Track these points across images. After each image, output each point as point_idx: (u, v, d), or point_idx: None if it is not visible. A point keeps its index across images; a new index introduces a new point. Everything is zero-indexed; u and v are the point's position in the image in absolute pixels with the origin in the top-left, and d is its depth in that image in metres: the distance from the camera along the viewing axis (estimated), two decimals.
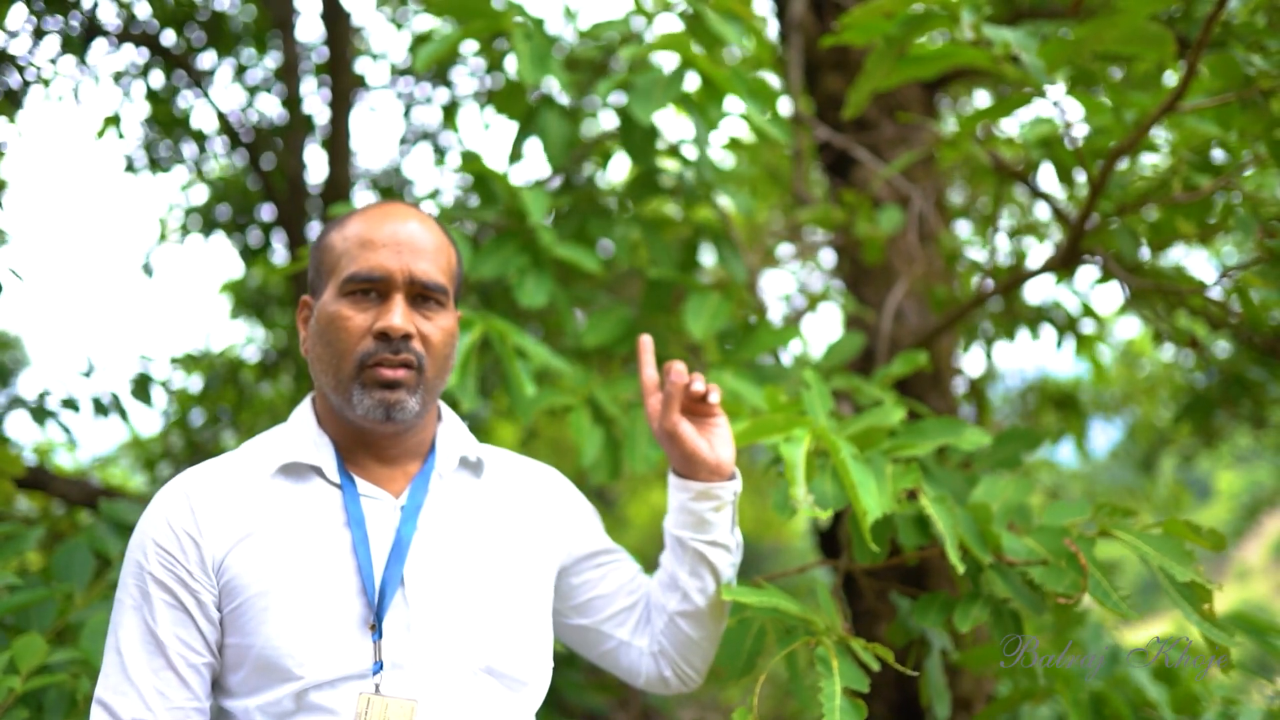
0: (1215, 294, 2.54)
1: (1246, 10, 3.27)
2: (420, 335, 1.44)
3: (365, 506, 1.43)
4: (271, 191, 4.24)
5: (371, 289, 1.43)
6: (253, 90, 4.53)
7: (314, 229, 4.15)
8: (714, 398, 1.60)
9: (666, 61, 2.40)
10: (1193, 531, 1.61)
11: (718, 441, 1.62)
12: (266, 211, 4.65)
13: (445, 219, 2.38)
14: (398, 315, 1.42)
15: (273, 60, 4.49)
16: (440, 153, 4.71)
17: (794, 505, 1.61)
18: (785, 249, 3.26)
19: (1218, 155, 2.63)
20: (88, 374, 3.19)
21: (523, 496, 1.59)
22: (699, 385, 1.59)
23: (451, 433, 1.56)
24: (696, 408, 1.63)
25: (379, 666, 1.34)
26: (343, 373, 1.42)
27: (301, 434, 1.47)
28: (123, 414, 3.23)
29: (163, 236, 4.82)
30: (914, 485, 1.71)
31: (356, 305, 1.42)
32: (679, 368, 1.58)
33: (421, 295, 1.45)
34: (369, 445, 1.47)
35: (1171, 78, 3.03)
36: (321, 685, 1.32)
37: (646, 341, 1.67)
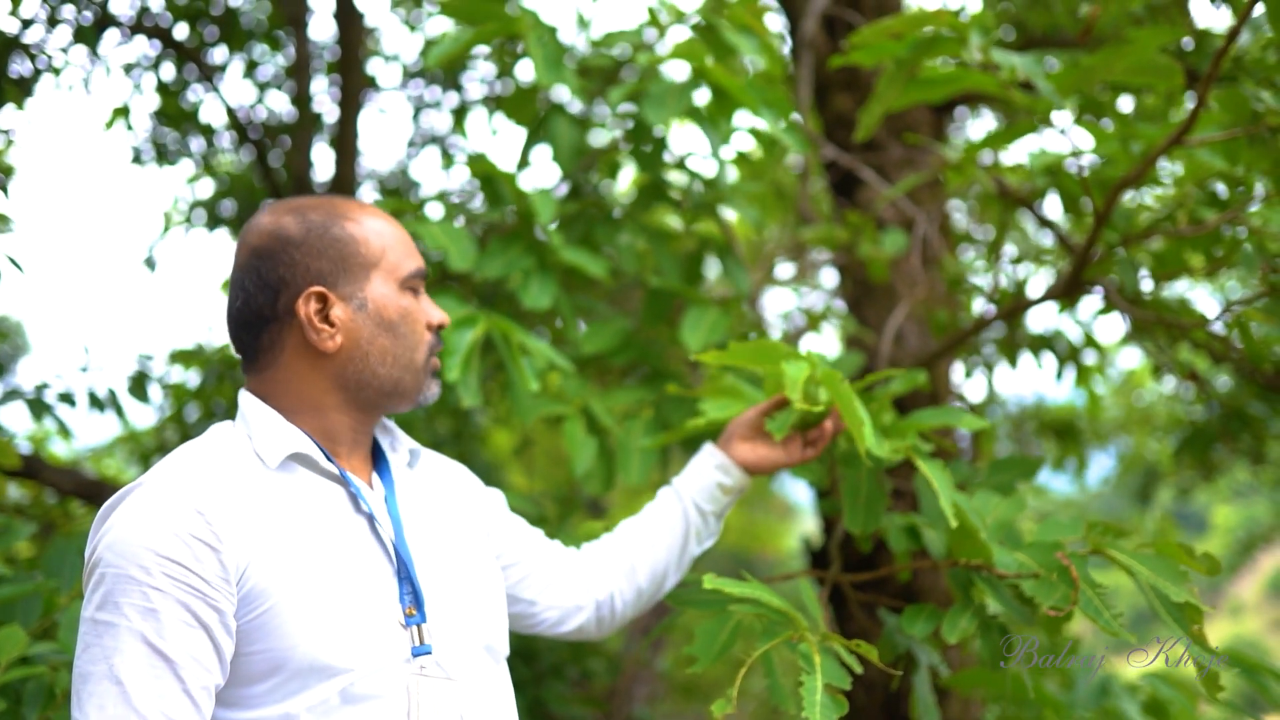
0: (1217, 328, 2.54)
1: (1258, 46, 3.28)
2: None
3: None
4: (277, 189, 4.24)
5: (419, 283, 1.53)
6: (263, 86, 4.54)
7: None
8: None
9: (679, 72, 2.41)
10: (1187, 554, 1.60)
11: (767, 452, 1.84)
12: None
13: (450, 218, 2.38)
14: (441, 311, 1.58)
15: (284, 57, 4.50)
16: (448, 156, 4.71)
17: (792, 399, 1.67)
18: (787, 267, 3.25)
19: (1224, 189, 2.63)
20: (85, 368, 3.18)
21: (451, 485, 1.66)
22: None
23: (385, 426, 1.61)
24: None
25: (421, 649, 1.37)
26: (415, 364, 1.51)
27: (271, 428, 1.42)
28: (119, 410, 3.23)
29: (166, 229, 4.82)
30: (909, 444, 1.74)
31: (414, 300, 1.52)
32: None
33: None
34: (349, 435, 1.49)
35: (1179, 112, 3.04)
36: (368, 675, 1.31)
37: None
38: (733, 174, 2.76)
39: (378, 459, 1.55)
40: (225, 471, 1.35)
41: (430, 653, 1.37)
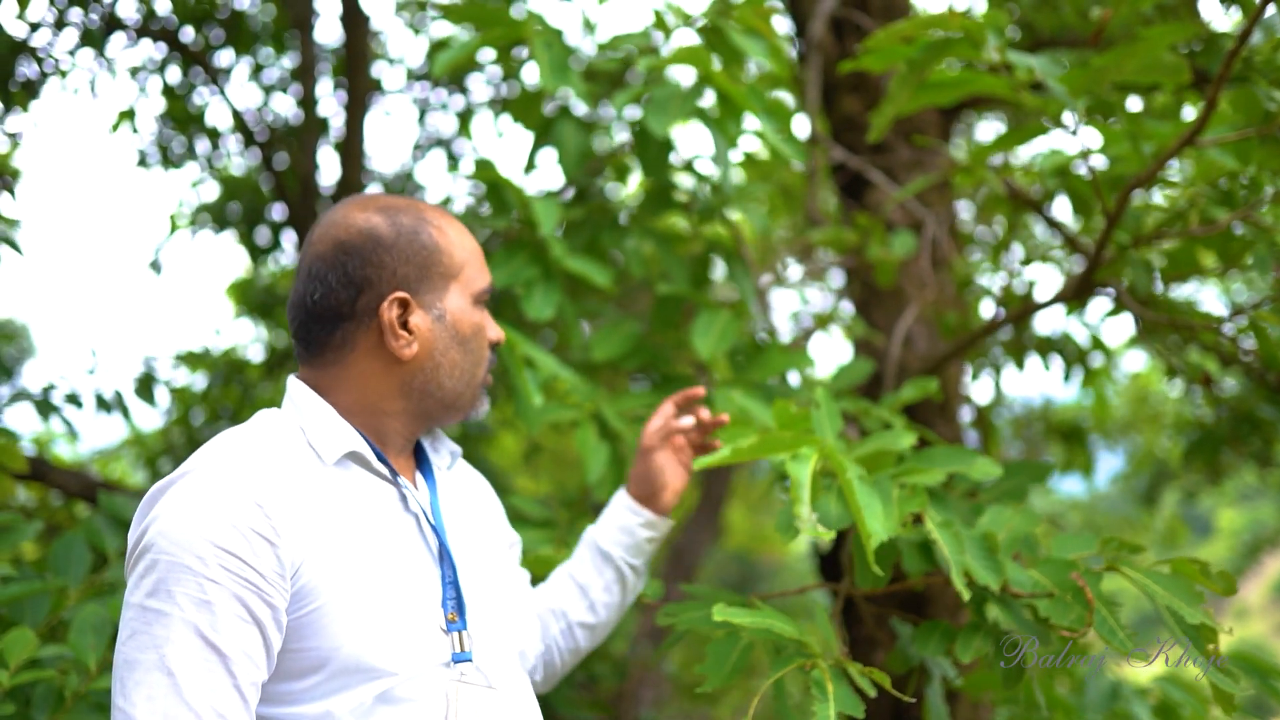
0: (1227, 329, 2.52)
1: (1269, 46, 3.26)
2: None
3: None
4: (283, 191, 4.24)
5: (486, 299, 1.55)
6: (269, 89, 4.54)
7: None
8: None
9: (684, 76, 2.39)
10: (1202, 573, 1.59)
11: (681, 480, 1.84)
12: (277, 211, 4.64)
13: None
14: (498, 328, 1.59)
15: (290, 60, 4.50)
16: (454, 159, 4.71)
17: (798, 525, 1.59)
18: (795, 269, 3.24)
19: (1237, 188, 2.61)
20: (92, 371, 3.18)
21: (480, 490, 1.68)
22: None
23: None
24: (692, 438, 1.85)
25: (462, 656, 1.36)
26: (476, 380, 1.52)
27: (328, 423, 1.39)
28: (125, 412, 3.22)
29: (173, 232, 4.81)
30: (920, 509, 1.69)
31: (485, 315, 1.54)
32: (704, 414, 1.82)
33: None
34: (400, 439, 1.48)
35: (1190, 111, 3.03)
36: (409, 679, 1.31)
37: (697, 393, 1.85)
38: (739, 176, 2.75)
39: (420, 459, 1.55)
40: (282, 464, 1.33)
41: (470, 660, 1.37)
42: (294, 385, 1.45)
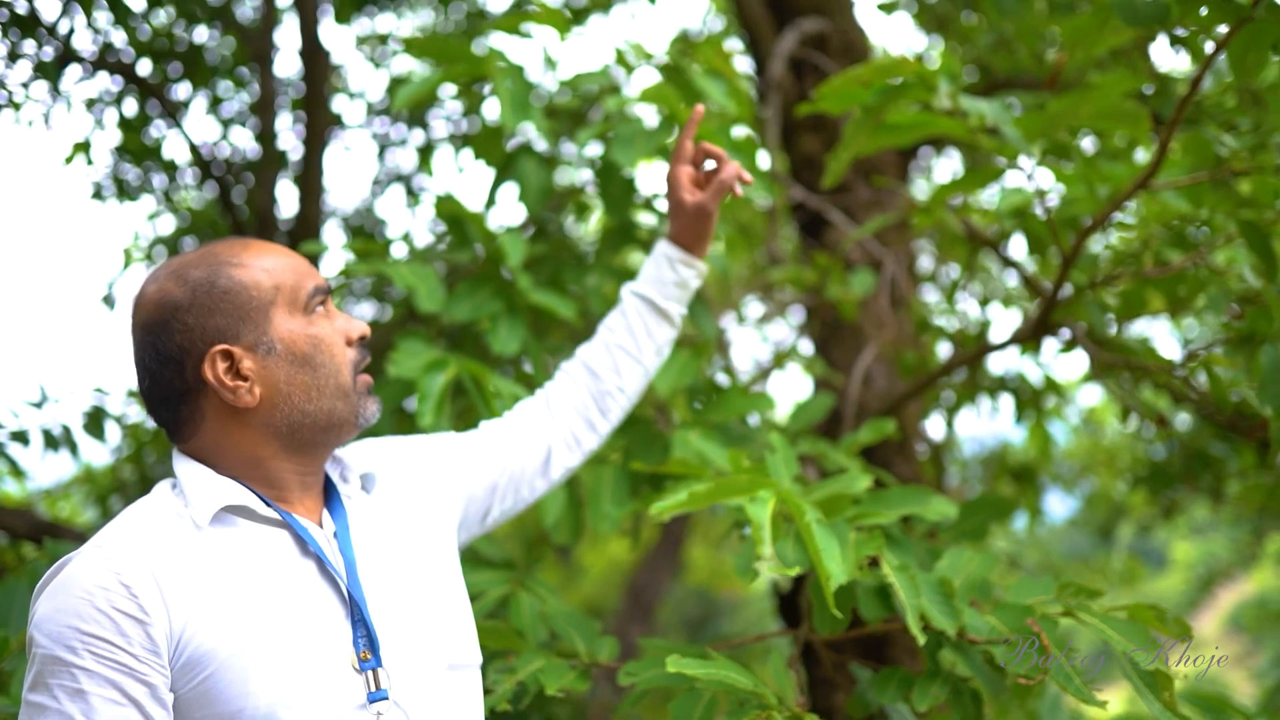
0: (1180, 371, 2.55)
1: (1218, 91, 3.33)
2: None
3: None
4: (240, 226, 4.20)
5: (324, 301, 1.45)
6: (227, 123, 4.51)
7: None
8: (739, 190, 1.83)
9: (648, 114, 2.40)
10: (1158, 618, 1.60)
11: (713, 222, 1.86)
12: None
13: (419, 260, 2.35)
14: (358, 320, 1.48)
15: (248, 94, 4.47)
16: (414, 195, 4.69)
17: (758, 567, 1.58)
18: (756, 306, 3.25)
19: (1191, 230, 2.65)
20: (39, 405, 3.12)
21: (406, 484, 1.60)
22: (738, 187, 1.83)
23: (333, 457, 1.54)
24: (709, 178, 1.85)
25: (377, 695, 1.32)
26: (343, 386, 1.43)
27: (201, 485, 1.36)
28: (73, 448, 3.16)
29: (127, 266, 4.75)
30: (876, 552, 1.69)
31: (320, 320, 1.44)
32: (729, 161, 1.82)
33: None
34: (295, 479, 1.43)
35: (1143, 153, 3.07)
36: None
37: (699, 112, 1.85)
38: None
39: (331, 494, 1.49)
40: (156, 538, 1.30)
41: (386, 698, 1.33)
42: (174, 457, 1.42)
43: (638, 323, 1.86)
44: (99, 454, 5.08)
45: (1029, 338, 2.51)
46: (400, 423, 2.26)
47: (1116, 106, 2.42)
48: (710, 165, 1.85)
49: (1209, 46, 2.04)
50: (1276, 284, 2.45)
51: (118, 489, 4.67)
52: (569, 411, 1.82)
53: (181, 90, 4.22)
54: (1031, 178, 2.37)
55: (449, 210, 2.30)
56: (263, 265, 1.41)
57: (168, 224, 4.76)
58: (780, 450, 1.87)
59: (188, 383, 1.37)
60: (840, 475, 1.85)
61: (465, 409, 2.16)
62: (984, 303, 3.32)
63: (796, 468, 1.89)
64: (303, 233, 3.93)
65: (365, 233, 4.58)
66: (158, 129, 4.23)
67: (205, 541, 1.32)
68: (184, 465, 1.39)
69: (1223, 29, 2.07)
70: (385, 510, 1.53)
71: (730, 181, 1.81)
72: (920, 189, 4.39)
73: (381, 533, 1.49)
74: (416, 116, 4.44)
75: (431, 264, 2.36)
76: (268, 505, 1.38)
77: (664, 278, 1.86)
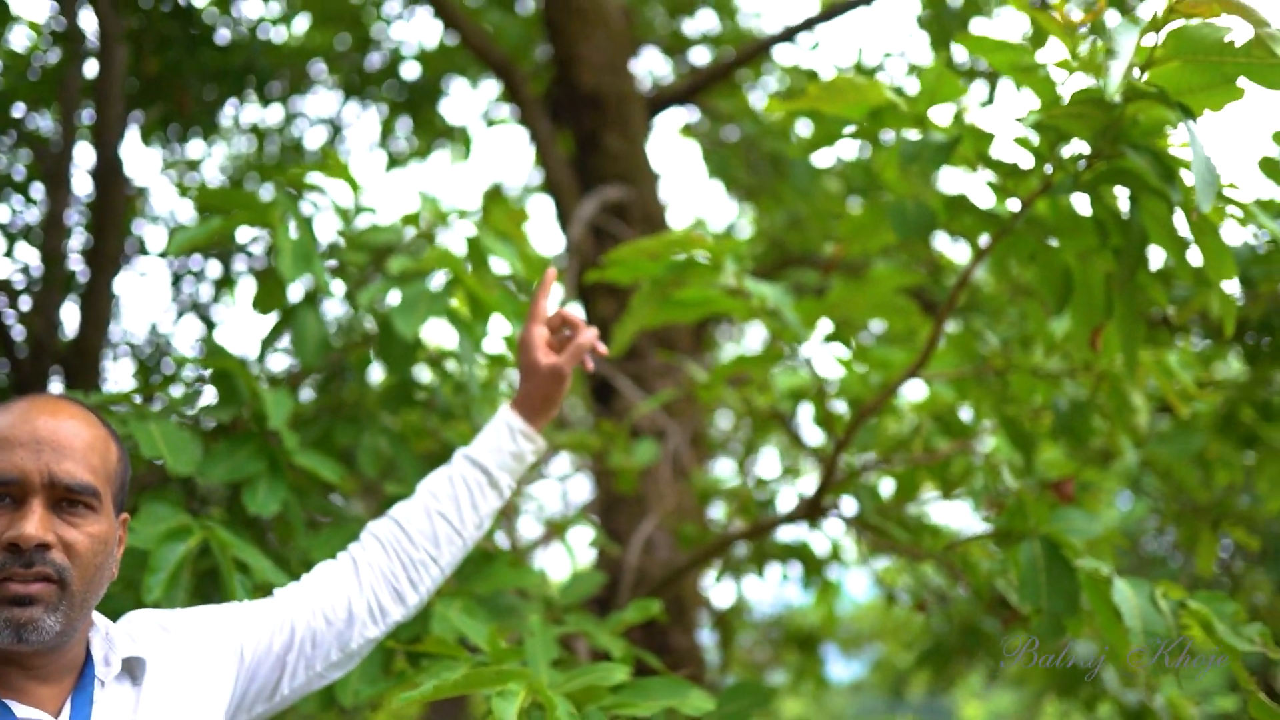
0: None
1: (992, 279, 3.54)
2: (63, 544, 1.27)
3: None
4: (9, 349, 3.93)
5: (6, 494, 1.26)
6: (12, 239, 4.28)
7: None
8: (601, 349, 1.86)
9: (436, 276, 2.38)
10: None
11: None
12: None
13: (174, 409, 2.23)
14: (32, 524, 1.25)
15: (40, 210, 4.27)
16: (211, 326, 4.54)
17: None
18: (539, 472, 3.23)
19: (964, 415, 2.77)
20: None
21: (177, 668, 1.44)
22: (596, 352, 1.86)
23: (106, 638, 1.38)
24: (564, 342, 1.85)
25: None
26: None
27: None
28: None
29: None
30: None
31: None
32: (586, 327, 1.84)
33: (67, 499, 1.29)
34: (13, 663, 1.29)
35: (920, 338, 3.23)
36: None
37: (552, 273, 1.87)
38: (482, 375, 2.73)
39: (86, 680, 1.34)
40: None
41: None
42: None
43: (463, 491, 1.78)
44: None
45: (804, 516, 2.55)
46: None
47: (889, 300, 2.54)
48: (566, 331, 1.85)
49: (983, 240, 2.16)
50: (1034, 479, 2.58)
51: None
52: (377, 578, 1.70)
53: None
54: (808, 364, 2.45)
55: (217, 364, 2.19)
56: None
57: None
58: (539, 633, 1.82)
59: None
60: (597, 666, 1.81)
61: (208, 573, 2.02)
62: (761, 485, 3.36)
63: (556, 651, 1.85)
64: (79, 363, 3.73)
65: (148, 367, 4.37)
66: None
67: None
68: None
69: (984, 239, 2.20)
70: (146, 700, 1.38)
71: (588, 345, 1.81)
72: (720, 356, 4.49)
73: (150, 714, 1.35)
74: (219, 250, 4.33)
75: (188, 420, 2.24)
76: None
77: (502, 446, 1.81)
